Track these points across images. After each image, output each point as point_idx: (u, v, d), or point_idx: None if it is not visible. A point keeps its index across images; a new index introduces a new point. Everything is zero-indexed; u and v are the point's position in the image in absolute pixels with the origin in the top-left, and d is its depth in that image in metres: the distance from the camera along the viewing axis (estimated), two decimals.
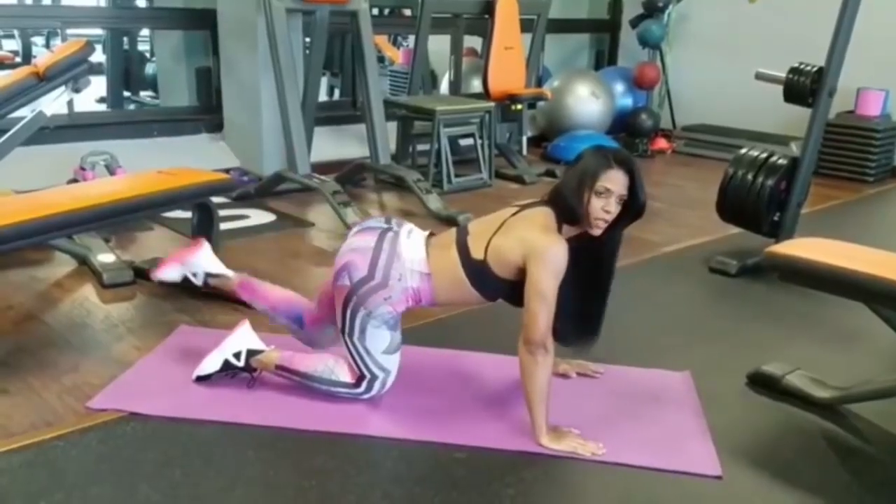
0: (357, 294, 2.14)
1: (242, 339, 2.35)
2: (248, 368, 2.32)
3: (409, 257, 2.17)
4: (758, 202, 3.55)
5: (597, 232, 2.10)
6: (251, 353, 2.32)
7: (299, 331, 2.44)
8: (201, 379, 2.33)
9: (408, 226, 2.28)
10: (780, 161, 3.59)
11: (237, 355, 2.32)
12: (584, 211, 2.06)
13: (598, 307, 2.26)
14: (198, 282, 2.54)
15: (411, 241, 2.20)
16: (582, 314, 2.24)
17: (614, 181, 2.05)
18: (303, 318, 2.42)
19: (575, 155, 2.19)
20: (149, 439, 2.07)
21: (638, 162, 2.14)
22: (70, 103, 4.50)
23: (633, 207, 2.11)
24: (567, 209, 2.09)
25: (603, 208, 2.05)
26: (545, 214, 2.12)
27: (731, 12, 6.39)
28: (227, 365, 2.32)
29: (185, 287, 3.06)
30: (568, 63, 7.34)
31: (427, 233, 2.28)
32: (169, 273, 2.56)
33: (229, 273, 2.55)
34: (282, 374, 2.30)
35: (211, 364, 2.33)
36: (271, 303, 2.47)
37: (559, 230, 2.10)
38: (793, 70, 3.55)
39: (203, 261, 2.54)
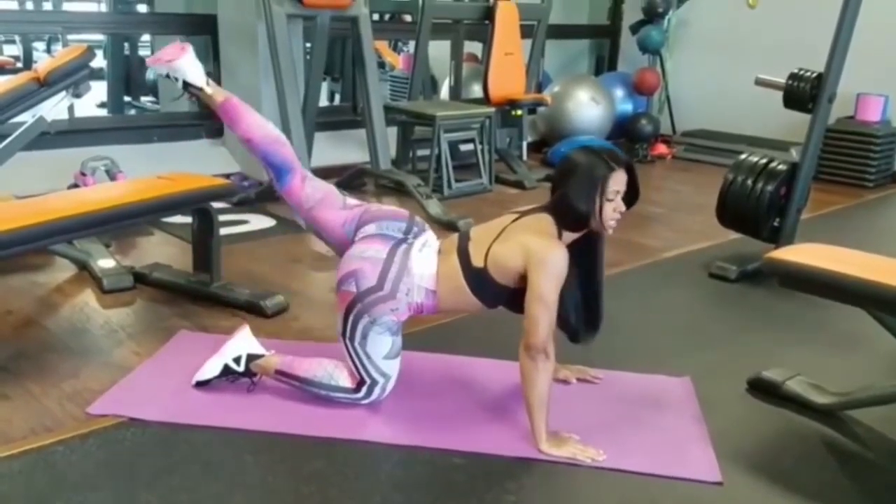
0: (363, 302, 2.14)
1: (242, 343, 2.35)
2: (248, 373, 2.32)
3: (418, 273, 2.17)
4: (758, 207, 3.55)
5: (611, 231, 2.15)
6: (251, 358, 2.32)
7: (274, 181, 2.40)
8: (201, 384, 2.33)
9: (423, 237, 2.27)
10: (780, 166, 3.59)
11: (237, 360, 2.31)
12: (598, 217, 2.10)
13: (596, 298, 2.29)
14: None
15: (423, 256, 2.20)
16: (585, 308, 2.28)
17: (620, 182, 2.11)
18: (287, 177, 2.40)
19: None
20: (148, 445, 2.07)
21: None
22: (71, 108, 4.49)
23: (630, 199, 2.18)
24: (578, 217, 2.11)
25: (615, 210, 2.12)
26: (545, 221, 2.14)
27: (731, 18, 6.41)
28: (226, 370, 2.32)
29: (185, 294, 3.09)
30: (568, 68, 7.35)
31: (439, 244, 2.28)
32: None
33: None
34: (281, 379, 2.30)
35: (211, 369, 2.32)
36: (254, 134, 2.33)
37: (559, 236, 2.11)
38: (792, 76, 3.56)
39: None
